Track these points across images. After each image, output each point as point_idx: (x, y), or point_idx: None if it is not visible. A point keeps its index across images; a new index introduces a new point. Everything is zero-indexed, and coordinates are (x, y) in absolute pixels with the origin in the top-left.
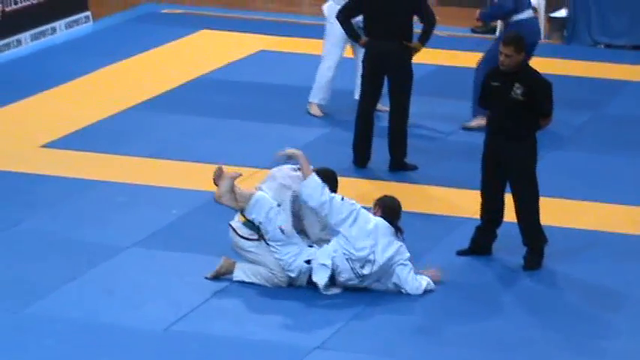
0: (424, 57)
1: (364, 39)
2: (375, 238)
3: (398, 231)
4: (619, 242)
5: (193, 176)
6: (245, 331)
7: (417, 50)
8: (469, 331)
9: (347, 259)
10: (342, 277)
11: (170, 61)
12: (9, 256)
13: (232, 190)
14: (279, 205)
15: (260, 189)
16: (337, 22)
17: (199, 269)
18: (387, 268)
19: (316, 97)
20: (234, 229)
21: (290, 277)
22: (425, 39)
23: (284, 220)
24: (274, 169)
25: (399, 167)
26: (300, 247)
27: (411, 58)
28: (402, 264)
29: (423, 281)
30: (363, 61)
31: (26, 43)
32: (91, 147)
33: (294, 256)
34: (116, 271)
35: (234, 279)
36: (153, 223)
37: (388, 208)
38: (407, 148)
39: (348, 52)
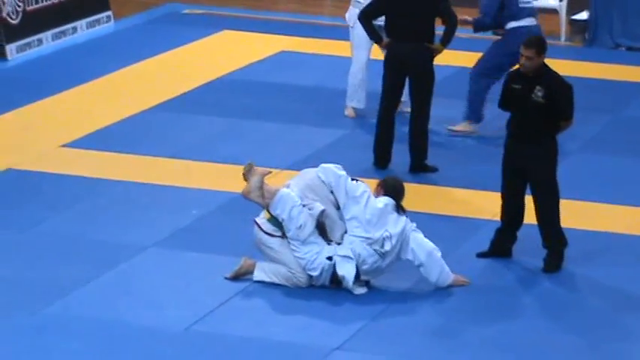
0: (445, 59)
1: (386, 41)
2: (386, 216)
3: (401, 209)
4: (639, 245)
5: (213, 177)
6: (265, 332)
7: (438, 52)
8: (489, 334)
9: (367, 245)
10: (367, 264)
11: (191, 61)
12: (30, 256)
13: (262, 186)
14: (304, 205)
15: (288, 186)
16: (359, 24)
17: (219, 269)
18: (402, 239)
19: (352, 100)
20: (258, 225)
21: (312, 276)
22: (447, 41)
23: (306, 219)
24: (305, 170)
25: (420, 169)
26: (320, 245)
27: (432, 60)
28: (414, 230)
29: (447, 269)
30: (384, 63)
31: (47, 42)
32: (112, 147)
33: (315, 254)
34: (136, 271)
35: (255, 279)
36: (173, 223)
37: (391, 188)
38: (428, 149)
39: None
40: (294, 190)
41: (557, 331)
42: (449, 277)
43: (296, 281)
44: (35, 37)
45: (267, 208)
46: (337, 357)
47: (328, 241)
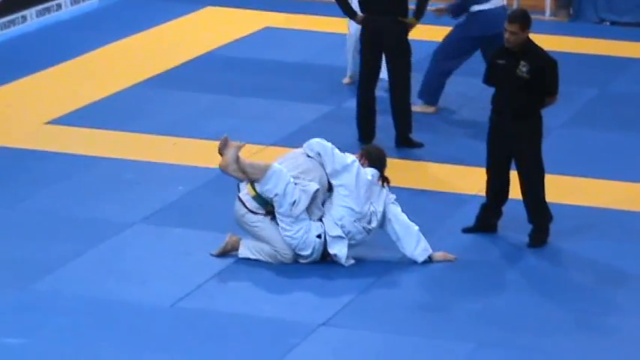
0: (430, 34)
1: (360, 15)
2: (372, 188)
3: (385, 181)
4: (625, 220)
5: (200, 153)
6: (251, 308)
7: (412, 26)
8: (474, 309)
9: (354, 221)
10: (354, 240)
11: (175, 38)
12: (15, 233)
13: (237, 160)
14: (295, 183)
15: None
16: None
17: (206, 246)
18: (383, 212)
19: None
20: (242, 202)
21: (300, 255)
22: (420, 14)
23: (300, 195)
24: (291, 153)
25: (405, 144)
26: (308, 222)
27: (407, 34)
28: (392, 203)
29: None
30: (360, 37)
31: (31, 19)
32: (97, 124)
33: (305, 232)
34: (123, 247)
35: (240, 256)
36: (159, 199)
37: (375, 158)
38: (412, 124)
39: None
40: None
41: (542, 306)
42: (427, 252)
43: (280, 258)
44: (19, 14)
45: (252, 183)
46: (323, 333)
47: (313, 217)
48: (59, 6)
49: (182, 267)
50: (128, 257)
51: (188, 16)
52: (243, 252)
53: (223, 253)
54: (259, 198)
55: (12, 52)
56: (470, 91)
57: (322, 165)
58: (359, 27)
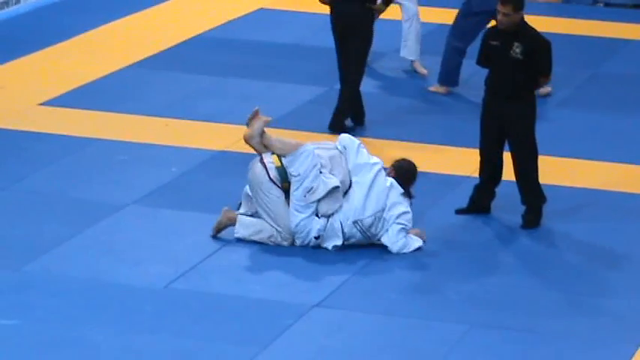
0: (427, 15)
1: (328, 1)
2: (387, 196)
3: (408, 195)
4: (618, 201)
5: (193, 134)
6: (245, 289)
7: (380, 12)
8: (468, 290)
9: (354, 223)
10: (349, 241)
11: (169, 18)
12: (9, 214)
13: (262, 133)
14: (320, 172)
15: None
16: None
17: (199, 227)
18: (387, 223)
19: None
20: (265, 168)
21: (295, 239)
22: (388, 0)
23: (319, 184)
24: (326, 142)
25: (337, 128)
26: (313, 216)
27: (372, 21)
28: (399, 224)
29: (416, 243)
30: (331, 25)
31: (25, 1)
32: (90, 105)
33: (307, 224)
34: (116, 228)
35: (235, 234)
36: (152, 181)
37: (403, 171)
38: (365, 113)
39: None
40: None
41: (535, 287)
42: (408, 245)
43: (280, 240)
44: None
45: (279, 156)
46: (317, 314)
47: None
48: None
49: (175, 248)
50: (121, 238)
51: None
52: (239, 230)
53: (220, 228)
54: (282, 170)
55: (6, 33)
56: (465, 71)
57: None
58: (416, 12)
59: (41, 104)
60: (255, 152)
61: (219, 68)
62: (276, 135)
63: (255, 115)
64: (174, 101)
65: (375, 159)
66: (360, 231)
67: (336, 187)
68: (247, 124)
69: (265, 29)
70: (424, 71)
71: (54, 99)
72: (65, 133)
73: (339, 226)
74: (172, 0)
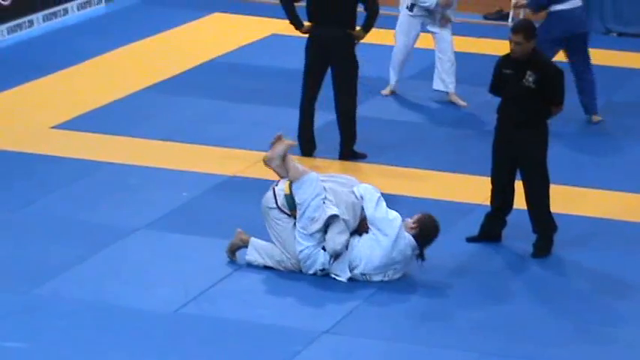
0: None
1: (307, 26)
2: (402, 254)
3: (420, 256)
4: (629, 230)
5: (204, 159)
6: (254, 315)
7: (359, 38)
8: (478, 318)
9: (362, 274)
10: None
11: (182, 43)
12: (20, 237)
13: (284, 156)
14: (324, 202)
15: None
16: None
17: (209, 251)
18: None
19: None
20: (275, 194)
21: (301, 267)
22: (368, 26)
23: (321, 214)
24: (346, 179)
25: (349, 156)
26: (318, 244)
27: (354, 46)
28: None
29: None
30: (306, 49)
31: (38, 24)
32: (102, 129)
33: (312, 254)
34: (127, 252)
35: (247, 257)
36: (163, 205)
37: (426, 232)
38: (356, 136)
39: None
40: (326, 185)
41: (545, 315)
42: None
43: (289, 265)
44: (26, 19)
45: (290, 183)
46: (326, 340)
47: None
48: (66, 11)
49: (185, 273)
50: (131, 262)
51: (195, 22)
52: (251, 253)
53: (232, 249)
54: (290, 198)
55: (19, 56)
56: (475, 98)
57: (360, 208)
58: (408, 41)
59: (53, 127)
60: (276, 176)
61: (231, 93)
62: (295, 161)
63: (278, 138)
64: (186, 126)
65: (393, 213)
66: (364, 280)
67: (335, 216)
68: (271, 147)
69: (277, 55)
70: (463, 103)
71: (66, 122)
72: (77, 157)
73: (346, 267)
74: (186, 25)
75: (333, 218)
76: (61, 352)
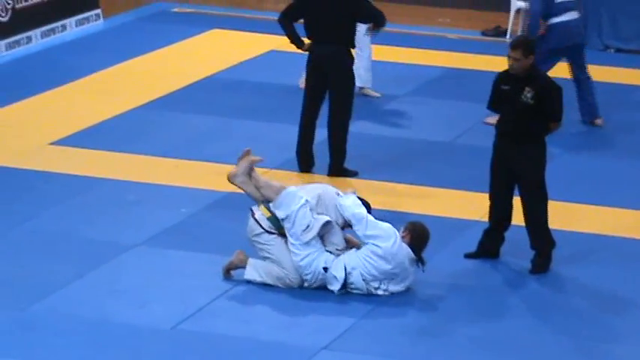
0: (434, 59)
1: (307, 43)
2: (398, 255)
3: (420, 261)
4: (627, 246)
5: (202, 175)
6: (252, 331)
7: (373, 29)
8: (476, 334)
9: (363, 280)
10: (353, 291)
11: (180, 60)
12: (17, 253)
13: (249, 173)
14: (311, 209)
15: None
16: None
17: (207, 268)
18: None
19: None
20: (256, 220)
21: (304, 279)
22: (377, 23)
23: (311, 220)
24: (321, 186)
25: (339, 173)
26: (318, 250)
27: (351, 64)
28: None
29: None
30: (307, 65)
31: (36, 40)
32: (100, 145)
33: (313, 260)
34: (124, 269)
35: (245, 276)
36: (161, 221)
37: (417, 237)
38: (346, 153)
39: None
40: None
41: (543, 332)
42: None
43: (289, 282)
44: (24, 35)
45: (265, 203)
46: (325, 356)
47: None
48: (64, 27)
49: (183, 289)
50: (129, 279)
51: (194, 39)
52: (250, 272)
53: (229, 269)
54: (274, 219)
55: (16, 73)
56: (472, 115)
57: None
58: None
59: (51, 144)
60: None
61: (229, 109)
62: (266, 178)
63: (245, 154)
64: (183, 142)
65: (385, 225)
66: (366, 287)
67: (328, 223)
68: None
69: (276, 71)
70: (377, 94)
71: (64, 139)
72: (74, 173)
73: (343, 268)
74: (185, 41)
75: (327, 225)
76: None
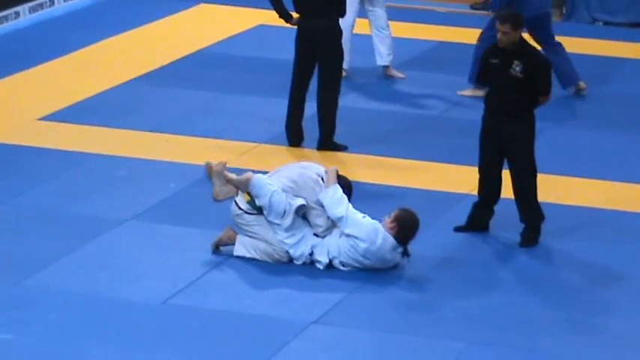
0: (422, 33)
1: (295, 18)
2: (379, 252)
3: (405, 254)
4: (617, 220)
5: (192, 150)
6: (242, 306)
7: None
8: (466, 308)
9: (344, 266)
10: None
11: (169, 34)
12: (8, 229)
13: (225, 183)
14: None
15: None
16: None
17: (197, 243)
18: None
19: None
20: (236, 203)
21: (292, 257)
22: None
23: (286, 205)
24: (298, 169)
25: (328, 147)
26: (303, 232)
27: (340, 38)
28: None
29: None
30: (295, 39)
31: (24, 15)
32: (89, 120)
33: (299, 240)
34: (114, 244)
35: (235, 253)
36: (151, 196)
37: (405, 229)
38: (335, 127)
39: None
40: (277, 180)
41: (533, 305)
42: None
43: (277, 257)
44: (12, 10)
45: (246, 192)
46: (314, 330)
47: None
48: (52, 2)
49: (174, 264)
50: (120, 254)
51: (182, 13)
52: (239, 249)
53: (219, 245)
54: (253, 202)
55: (4, 48)
56: (462, 89)
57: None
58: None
59: (40, 119)
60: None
61: (218, 84)
62: (232, 176)
63: (209, 169)
64: (173, 117)
65: (369, 221)
66: (347, 267)
67: (303, 206)
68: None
69: (264, 46)
70: (401, 75)
71: (52, 114)
72: (64, 149)
73: (326, 253)
74: (173, 16)
75: (302, 208)
76: (50, 344)
